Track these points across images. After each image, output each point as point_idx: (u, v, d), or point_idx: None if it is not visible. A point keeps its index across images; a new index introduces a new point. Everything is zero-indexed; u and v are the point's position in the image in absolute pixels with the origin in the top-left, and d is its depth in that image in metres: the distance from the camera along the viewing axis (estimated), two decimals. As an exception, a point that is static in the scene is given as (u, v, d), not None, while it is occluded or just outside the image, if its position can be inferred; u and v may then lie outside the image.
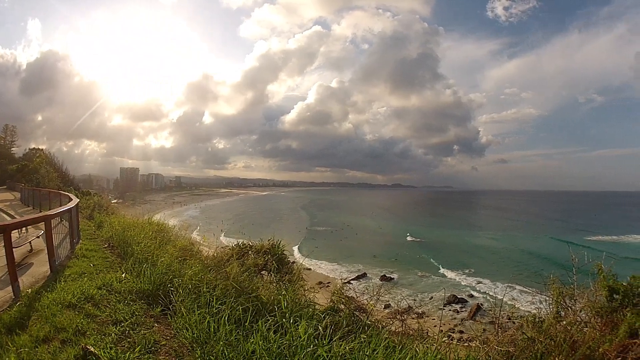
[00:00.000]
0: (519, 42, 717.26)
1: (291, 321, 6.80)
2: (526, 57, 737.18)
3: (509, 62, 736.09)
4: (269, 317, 6.98)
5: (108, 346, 6.06)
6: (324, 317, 7.30)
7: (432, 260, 62.61)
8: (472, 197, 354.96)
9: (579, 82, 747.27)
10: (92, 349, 5.80)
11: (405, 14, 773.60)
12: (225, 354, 6.01)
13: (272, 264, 11.02)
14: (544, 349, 5.77)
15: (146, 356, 6.10)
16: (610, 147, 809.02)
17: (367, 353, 5.78)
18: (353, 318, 7.78)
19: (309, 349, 5.88)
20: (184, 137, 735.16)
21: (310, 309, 7.81)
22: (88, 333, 6.51)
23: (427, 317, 36.89)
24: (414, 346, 5.98)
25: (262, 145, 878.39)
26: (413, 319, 29.40)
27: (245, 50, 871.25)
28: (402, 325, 7.73)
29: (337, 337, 6.32)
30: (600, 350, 5.77)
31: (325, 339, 6.17)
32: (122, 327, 6.95)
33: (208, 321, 6.90)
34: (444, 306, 41.23)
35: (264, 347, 5.98)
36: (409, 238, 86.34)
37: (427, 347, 5.89)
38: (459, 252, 70.33)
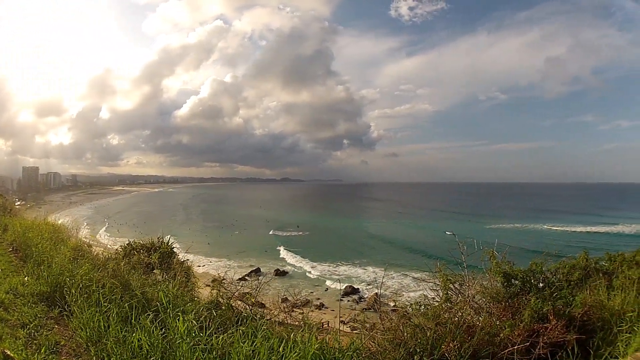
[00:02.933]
0: (420, 41, 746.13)
1: (172, 316, 6.75)
2: (426, 55, 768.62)
3: (407, 60, 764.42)
4: (149, 313, 6.90)
5: (19, 349, 5.97)
6: (205, 312, 7.21)
7: (325, 252, 64.08)
8: (361, 189, 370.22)
9: (482, 81, 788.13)
10: (9, 353, 5.71)
11: (306, 11, 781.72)
12: (115, 351, 5.93)
13: (159, 262, 11.07)
14: (435, 335, 5.69)
15: (50, 357, 6.03)
16: (509, 141, 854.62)
17: (247, 345, 5.72)
18: (233, 311, 7.73)
19: (190, 343, 5.85)
20: (82, 133, 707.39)
21: (194, 304, 7.71)
22: (3, 337, 6.34)
23: (326, 308, 37.43)
24: (297, 336, 5.95)
25: (155, 140, 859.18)
26: (312, 311, 29.67)
27: (147, 45, 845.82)
28: (287, 317, 7.72)
29: (213, 329, 6.26)
30: (501, 335, 5.86)
31: (204, 332, 6.13)
32: (28, 329, 6.81)
33: (98, 319, 6.80)
34: (342, 297, 41.86)
35: (149, 341, 5.93)
36: (299, 232, 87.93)
37: (307, 336, 5.89)
38: (351, 243, 72.84)
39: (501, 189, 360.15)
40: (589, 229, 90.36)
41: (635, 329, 6.37)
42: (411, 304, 7.07)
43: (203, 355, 5.68)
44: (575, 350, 5.80)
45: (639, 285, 8.01)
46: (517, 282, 7.37)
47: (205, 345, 5.85)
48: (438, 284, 7.44)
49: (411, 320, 6.23)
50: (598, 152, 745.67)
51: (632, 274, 8.64)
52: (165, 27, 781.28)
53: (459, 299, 7.15)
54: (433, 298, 7.34)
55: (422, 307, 6.77)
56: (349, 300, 41.32)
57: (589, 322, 6.56)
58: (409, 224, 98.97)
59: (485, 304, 6.99)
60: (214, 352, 5.76)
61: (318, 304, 39.39)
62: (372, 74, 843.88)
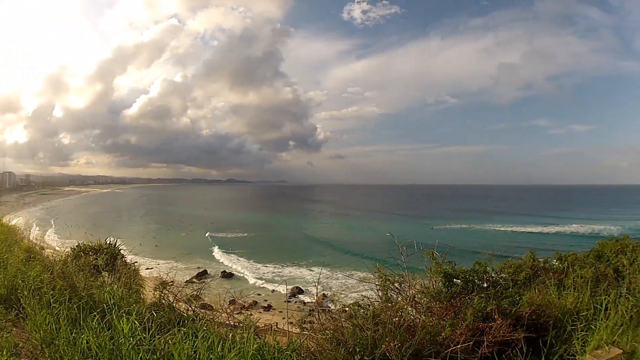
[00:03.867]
0: (371, 44, 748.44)
1: (117, 317, 6.65)
2: (376, 58, 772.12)
3: (357, 63, 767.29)
4: (96, 314, 6.90)
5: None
6: (148, 313, 7.11)
7: (271, 253, 63.90)
8: (306, 191, 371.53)
9: (431, 85, 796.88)
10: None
11: (259, 12, 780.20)
12: (67, 352, 6.01)
13: (105, 264, 10.97)
14: (375, 335, 5.63)
15: (12, 359, 6.10)
16: (458, 144, 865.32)
17: (188, 345, 5.62)
18: (175, 313, 7.68)
19: (133, 343, 5.84)
20: (36, 131, 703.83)
21: (138, 306, 7.59)
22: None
23: (274, 310, 37.30)
24: (235, 336, 5.87)
25: (104, 140, 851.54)
26: (260, 312, 29.58)
27: (104, 42, 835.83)
28: (228, 318, 7.63)
29: (154, 330, 6.19)
30: (443, 334, 5.84)
31: (146, 333, 6.08)
32: (-11, 332, 6.90)
33: (49, 321, 6.90)
34: (289, 299, 41.71)
35: (96, 343, 5.95)
36: (245, 234, 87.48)
37: (246, 336, 5.81)
38: (296, 244, 73.18)
39: (450, 191, 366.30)
40: (540, 229, 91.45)
41: (592, 327, 6.40)
42: (350, 304, 7.02)
43: (147, 355, 5.67)
44: (524, 349, 5.75)
45: (593, 285, 8.11)
46: (459, 281, 7.38)
47: (148, 346, 5.83)
48: (378, 284, 7.38)
49: (351, 320, 6.19)
50: (550, 156, 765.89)
51: (585, 273, 8.68)
52: (122, 24, 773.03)
53: (399, 298, 7.11)
54: (374, 298, 7.25)
55: (362, 307, 6.71)
56: (296, 302, 40.98)
57: (539, 320, 6.54)
58: (353, 226, 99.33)
59: (427, 304, 6.98)
60: (158, 353, 5.72)
61: (266, 305, 38.96)
62: (320, 76, 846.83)
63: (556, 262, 10.20)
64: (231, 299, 13.21)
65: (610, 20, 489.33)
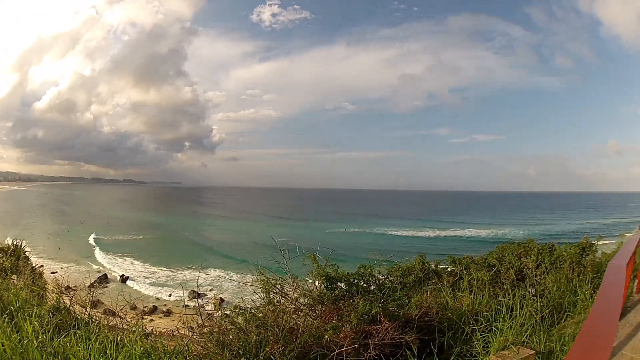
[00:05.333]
0: (275, 47, 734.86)
1: (22, 319, 6.60)
2: (279, 62, 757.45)
3: (259, 65, 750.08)
4: (5, 316, 6.74)
5: None
6: (47, 316, 7.13)
7: (167, 256, 62.84)
8: (199, 193, 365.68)
9: (331, 91, 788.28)
10: None
11: (170, 9, 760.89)
12: None
13: (12, 265, 10.62)
14: (258, 337, 5.69)
15: None
16: (355, 149, 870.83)
17: (83, 347, 5.67)
18: (72, 316, 7.65)
19: (36, 345, 5.74)
20: None
21: (39, 309, 7.58)
22: None
23: (174, 314, 37.05)
24: (124, 339, 5.93)
25: (15, 133, 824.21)
26: (161, 318, 29.47)
27: (27, 30, 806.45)
28: (122, 322, 7.66)
29: (52, 333, 6.10)
30: (326, 337, 5.88)
31: (46, 335, 6.03)
32: None
33: None
34: (186, 303, 41.58)
35: (10, 346, 5.78)
36: (140, 236, 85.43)
37: (134, 339, 5.88)
38: (191, 247, 71.88)
39: (346, 195, 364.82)
40: (437, 233, 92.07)
41: (494, 328, 6.54)
42: (234, 307, 7.06)
43: (50, 357, 5.58)
44: (415, 351, 5.86)
45: (492, 286, 8.40)
46: (342, 285, 7.46)
47: (51, 348, 5.76)
48: (259, 286, 7.46)
49: (234, 323, 6.24)
50: (452, 163, 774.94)
51: (483, 275, 8.95)
52: (46, 12, 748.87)
53: (282, 301, 7.20)
54: (259, 301, 7.36)
55: (245, 310, 6.77)
56: (194, 306, 39.98)
57: (432, 322, 6.69)
58: (244, 229, 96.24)
59: (310, 307, 7.06)
60: (59, 356, 5.64)
61: (165, 310, 38.55)
62: (222, 77, 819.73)
63: (449, 265, 10.48)
64: (132, 304, 13.16)
65: (534, 39, 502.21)
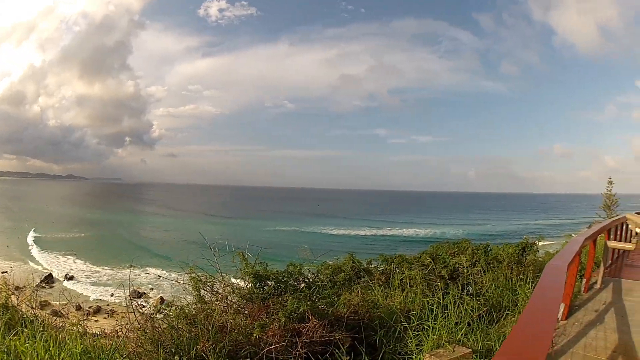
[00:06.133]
0: (219, 43, 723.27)
1: None
2: (222, 57, 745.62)
3: (202, 60, 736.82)
4: None
5: None
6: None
7: (108, 255, 61.24)
8: (138, 189, 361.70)
9: (272, 89, 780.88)
10: None
11: (121, 1, 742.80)
12: None
13: None
14: (190, 335, 5.84)
15: None
16: (294, 148, 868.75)
17: (29, 346, 5.88)
18: (18, 314, 7.79)
19: None
20: None
21: None
22: None
23: (117, 314, 36.91)
24: (65, 338, 6.14)
25: None
26: (105, 318, 29.53)
27: None
28: (64, 321, 7.81)
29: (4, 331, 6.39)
30: (254, 335, 5.94)
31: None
32: None
33: None
34: (129, 302, 41.11)
35: None
36: (81, 234, 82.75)
37: (74, 338, 6.09)
38: (130, 245, 69.83)
39: (286, 194, 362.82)
40: (374, 232, 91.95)
41: (427, 326, 6.72)
42: (165, 305, 7.29)
43: (3, 356, 5.77)
44: (344, 349, 5.94)
45: (424, 285, 8.60)
46: (271, 283, 7.66)
47: (3, 346, 5.95)
48: (189, 284, 7.58)
49: (167, 321, 6.40)
50: (393, 163, 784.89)
51: (415, 274, 9.19)
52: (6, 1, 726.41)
53: (212, 299, 7.31)
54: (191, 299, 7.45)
55: (177, 308, 6.87)
56: (136, 305, 39.64)
57: (363, 320, 6.83)
58: (181, 227, 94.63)
59: (239, 305, 7.18)
60: (11, 354, 5.85)
61: (109, 310, 38.30)
62: (165, 72, 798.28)
63: (381, 264, 10.64)
64: (76, 304, 13.28)
65: (481, 45, 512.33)
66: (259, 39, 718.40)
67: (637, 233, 12.25)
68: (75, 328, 6.65)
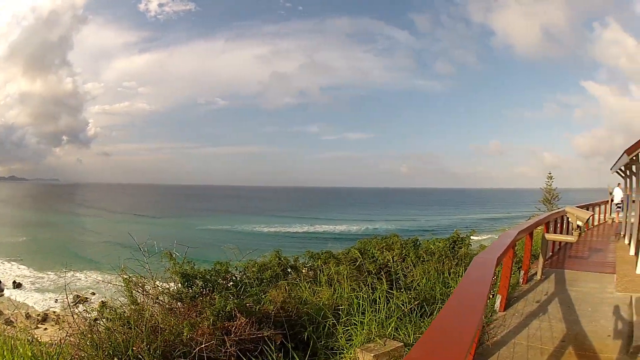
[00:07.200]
0: (156, 39, 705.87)
1: None
2: (158, 53, 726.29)
3: (139, 56, 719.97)
4: None
5: None
6: None
7: (49, 259, 59.72)
8: (73, 190, 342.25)
9: (205, 86, 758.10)
10: None
11: None
12: None
13: None
14: (124, 336, 5.93)
15: None
16: (226, 145, 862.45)
17: None
18: None
19: None
20: None
21: None
22: None
23: (63, 320, 36.73)
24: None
25: None
26: (52, 325, 29.69)
27: None
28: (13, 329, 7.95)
29: None
30: (184, 334, 6.01)
31: None
32: None
33: None
34: (72, 308, 40.99)
35: None
36: (22, 238, 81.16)
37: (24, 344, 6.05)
38: (71, 249, 69.09)
39: (218, 191, 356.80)
40: (306, 229, 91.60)
41: (355, 321, 7.00)
42: (100, 307, 7.35)
43: None
44: (273, 346, 6.15)
45: (353, 280, 8.88)
46: (199, 282, 7.70)
47: None
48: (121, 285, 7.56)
49: (103, 323, 6.59)
50: (325, 159, 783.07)
51: (343, 269, 9.41)
52: None
53: (144, 300, 7.33)
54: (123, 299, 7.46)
55: (112, 309, 6.98)
56: (80, 310, 39.43)
57: (291, 317, 7.07)
58: (114, 229, 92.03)
59: (169, 304, 7.24)
60: None
61: (55, 316, 38.02)
62: (103, 68, 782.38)
63: (308, 260, 10.88)
64: (25, 312, 13.45)
65: (418, 44, 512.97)
66: (196, 34, 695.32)
67: (577, 226, 12.97)
68: (23, 336, 7.00)
